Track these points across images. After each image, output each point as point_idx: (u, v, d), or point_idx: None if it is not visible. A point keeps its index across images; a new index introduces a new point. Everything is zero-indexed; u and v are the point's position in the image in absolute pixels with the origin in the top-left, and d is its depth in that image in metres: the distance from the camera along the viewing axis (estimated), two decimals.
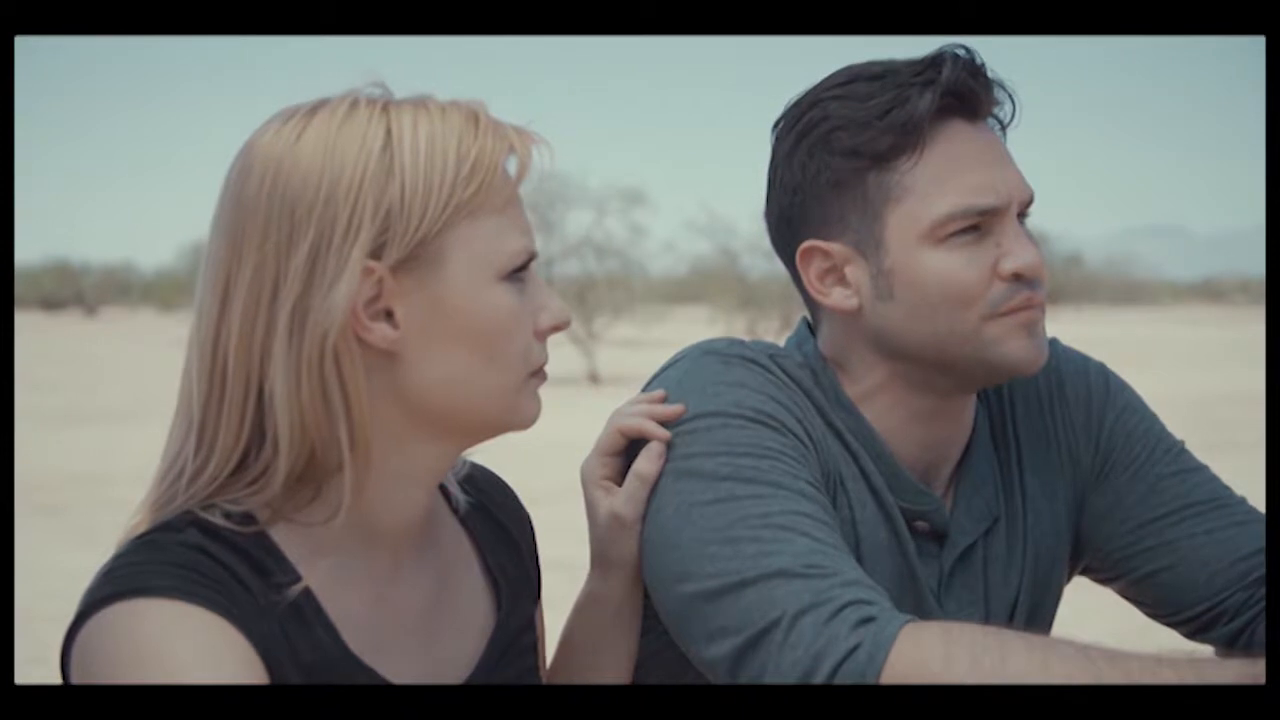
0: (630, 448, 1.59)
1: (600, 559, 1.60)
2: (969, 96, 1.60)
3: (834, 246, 1.63)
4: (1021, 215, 1.62)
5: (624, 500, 1.56)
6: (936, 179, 1.58)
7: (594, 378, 26.34)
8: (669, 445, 1.57)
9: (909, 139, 1.58)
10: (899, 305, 1.60)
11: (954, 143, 1.59)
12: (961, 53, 1.60)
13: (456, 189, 1.33)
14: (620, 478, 1.59)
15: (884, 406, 1.65)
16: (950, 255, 1.58)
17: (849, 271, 1.62)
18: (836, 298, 1.64)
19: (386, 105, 1.35)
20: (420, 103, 1.36)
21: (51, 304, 64.75)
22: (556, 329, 1.42)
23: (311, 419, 1.31)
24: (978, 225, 1.59)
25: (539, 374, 1.42)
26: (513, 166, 1.38)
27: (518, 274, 1.38)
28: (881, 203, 1.59)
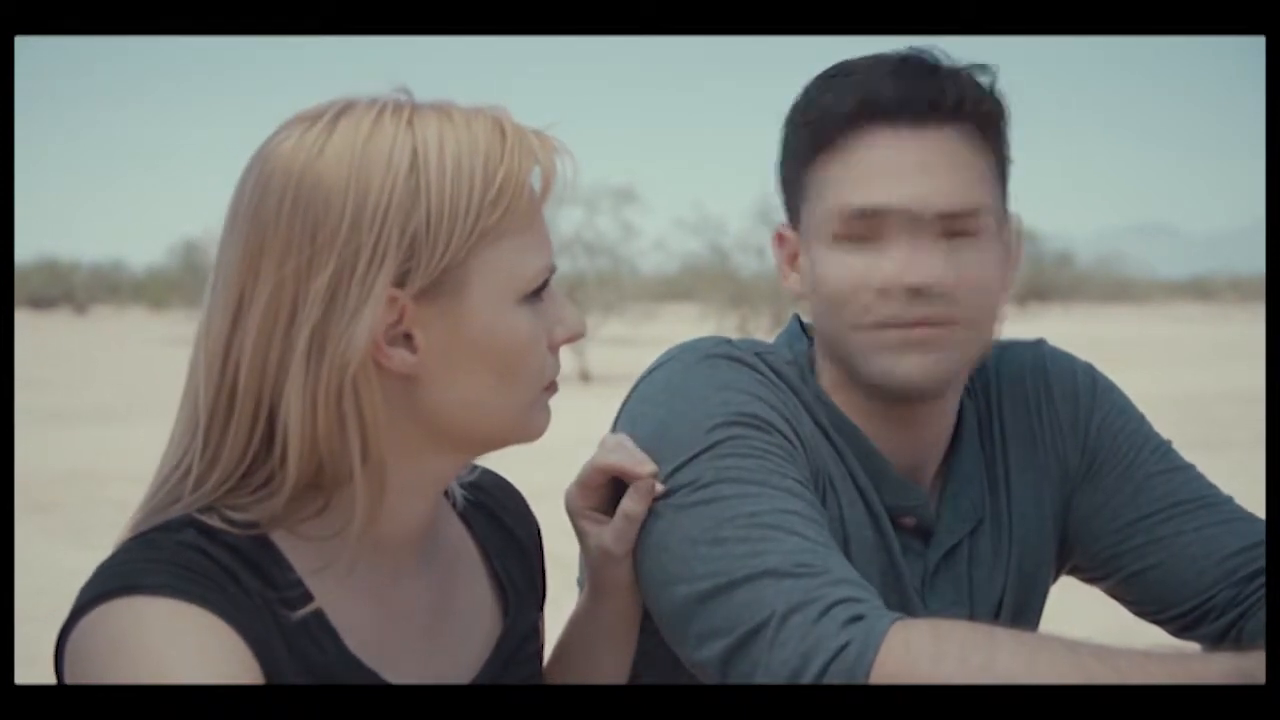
0: (614, 478, 1.58)
1: (593, 584, 1.60)
2: (886, 103, 1.58)
3: (791, 235, 1.68)
4: (962, 229, 1.59)
5: (612, 537, 1.54)
6: (834, 181, 1.60)
7: (585, 376, 26.31)
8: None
9: (823, 138, 1.60)
10: (815, 300, 1.65)
11: (861, 149, 1.59)
12: (898, 56, 1.60)
13: (483, 214, 1.30)
14: (604, 505, 1.58)
15: (843, 403, 1.67)
16: (840, 257, 1.60)
17: (800, 260, 1.67)
18: (792, 282, 1.69)
19: (412, 117, 1.31)
20: (445, 112, 1.32)
21: (41, 303, 64.57)
22: (571, 340, 1.40)
23: (325, 443, 1.30)
24: (868, 233, 1.59)
25: (551, 387, 1.41)
26: (536, 177, 1.35)
27: (537, 292, 1.36)
28: (804, 199, 1.64)
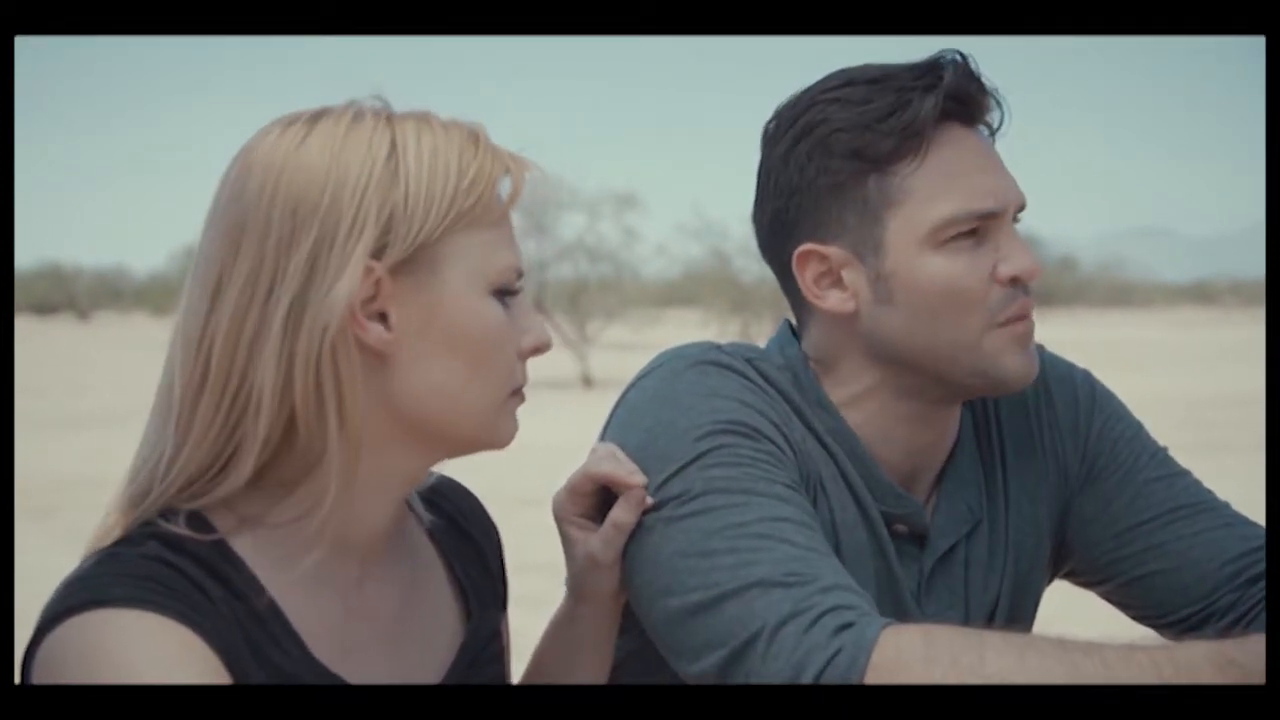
0: (604, 486, 1.57)
1: (576, 591, 1.60)
2: (968, 101, 1.60)
3: (831, 250, 1.61)
4: (1014, 220, 1.63)
5: (601, 545, 1.55)
6: (937, 183, 1.58)
7: (587, 381, 26.35)
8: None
9: (911, 142, 1.58)
10: (899, 309, 1.60)
11: (953, 147, 1.59)
12: (959, 57, 1.60)
13: (458, 198, 1.35)
14: (592, 512, 1.58)
15: (871, 411, 1.65)
16: (950, 259, 1.58)
17: (846, 275, 1.62)
18: (833, 301, 1.63)
19: (390, 117, 1.36)
20: (423, 118, 1.38)
21: (43, 309, 64.66)
22: (538, 351, 1.43)
23: (302, 411, 1.31)
24: (976, 230, 1.59)
25: (518, 394, 1.43)
26: (505, 189, 1.40)
27: (507, 293, 1.39)
28: (882, 206, 1.59)
